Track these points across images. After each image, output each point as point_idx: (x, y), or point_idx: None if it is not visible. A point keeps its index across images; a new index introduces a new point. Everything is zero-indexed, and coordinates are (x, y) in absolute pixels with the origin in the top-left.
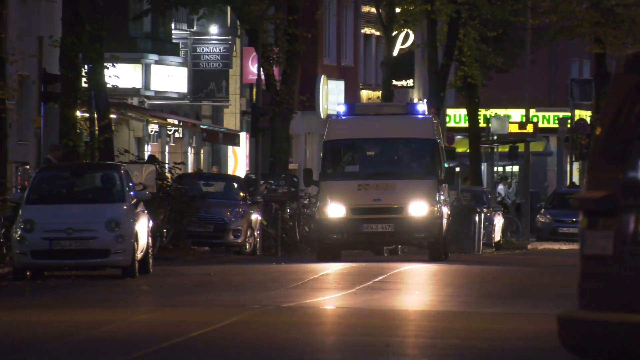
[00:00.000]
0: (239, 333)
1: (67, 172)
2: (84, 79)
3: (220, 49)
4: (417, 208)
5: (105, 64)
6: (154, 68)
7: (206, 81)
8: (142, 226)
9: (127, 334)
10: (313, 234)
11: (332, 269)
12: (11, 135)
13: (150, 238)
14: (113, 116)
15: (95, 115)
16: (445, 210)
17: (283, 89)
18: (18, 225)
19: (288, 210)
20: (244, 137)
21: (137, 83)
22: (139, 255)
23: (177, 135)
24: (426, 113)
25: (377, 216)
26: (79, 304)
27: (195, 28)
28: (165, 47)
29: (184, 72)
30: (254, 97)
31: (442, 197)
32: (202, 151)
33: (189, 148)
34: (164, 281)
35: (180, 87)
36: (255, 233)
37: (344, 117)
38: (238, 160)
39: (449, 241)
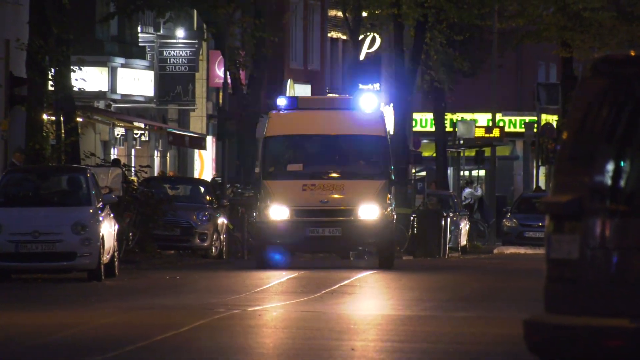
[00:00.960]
0: (204, 336)
1: (33, 175)
2: (50, 82)
3: (186, 53)
4: (368, 211)
5: (71, 67)
6: (121, 71)
7: (173, 85)
8: (109, 229)
9: (91, 337)
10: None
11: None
12: None
13: (116, 241)
14: (79, 119)
15: (62, 119)
16: (392, 213)
17: (250, 92)
18: None
19: (254, 214)
20: (210, 140)
21: (104, 86)
22: (105, 258)
23: (143, 138)
24: (375, 107)
25: (324, 219)
26: (44, 306)
27: (161, 31)
28: (131, 50)
29: (150, 75)
30: (221, 100)
31: (392, 200)
32: (168, 155)
33: (155, 151)
34: (129, 284)
35: (146, 90)
36: (222, 237)
37: (285, 111)
38: (204, 164)
39: (415, 245)
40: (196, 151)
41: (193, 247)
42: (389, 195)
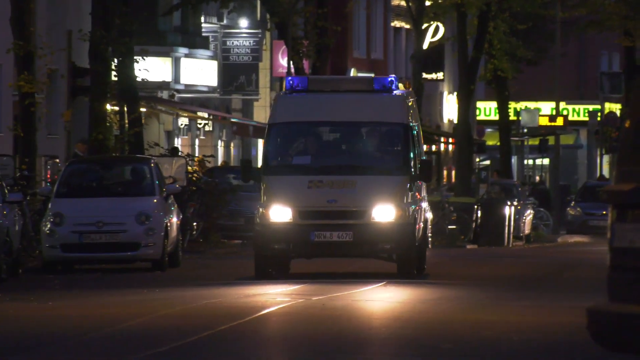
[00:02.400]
0: (268, 325)
1: (96, 165)
2: (113, 73)
3: (250, 43)
4: (383, 212)
5: (134, 58)
6: (184, 61)
7: (236, 74)
8: (172, 219)
9: (156, 326)
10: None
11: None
12: (40, 129)
13: (180, 231)
14: (143, 110)
15: (125, 109)
16: (422, 213)
17: None
18: (47, 218)
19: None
20: None
21: (167, 76)
22: (169, 248)
23: (207, 128)
24: (399, 89)
25: (332, 222)
26: (109, 297)
27: (225, 21)
28: (195, 41)
29: (213, 65)
30: (283, 90)
31: (415, 198)
32: (232, 145)
33: (219, 141)
34: (193, 274)
35: (210, 80)
36: None
37: (294, 95)
38: None
39: (480, 234)
40: (260, 141)
41: None
42: (410, 193)
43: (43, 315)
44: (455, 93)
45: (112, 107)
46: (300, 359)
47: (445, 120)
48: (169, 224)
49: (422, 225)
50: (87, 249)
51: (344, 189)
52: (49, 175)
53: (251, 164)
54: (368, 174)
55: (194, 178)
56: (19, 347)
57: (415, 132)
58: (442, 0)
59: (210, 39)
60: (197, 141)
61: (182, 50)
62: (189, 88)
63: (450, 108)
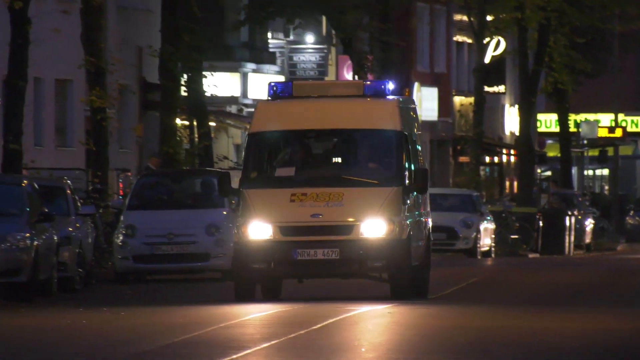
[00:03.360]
0: (334, 334)
1: (167, 178)
2: (183, 88)
3: (316, 57)
4: (373, 226)
5: (203, 73)
6: (252, 76)
7: None
8: None
9: (227, 335)
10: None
11: None
12: (112, 143)
13: None
14: (212, 124)
15: (194, 123)
16: (422, 229)
17: None
18: (120, 230)
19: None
20: None
21: (236, 91)
22: None
23: None
24: (391, 94)
25: (317, 238)
26: (179, 306)
27: (291, 37)
28: (262, 56)
29: (280, 80)
30: None
31: (411, 211)
32: None
33: None
34: None
35: None
36: None
37: (277, 101)
38: None
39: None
40: None
41: None
42: (405, 206)
43: (114, 325)
44: (517, 105)
45: (182, 122)
46: None
47: (507, 133)
48: None
49: (423, 242)
50: (158, 260)
51: (329, 202)
52: (120, 188)
53: (229, 177)
54: (356, 185)
55: None
56: (92, 355)
57: (408, 140)
58: (503, 15)
59: (277, 55)
60: None
61: (250, 66)
62: (256, 102)
63: (511, 120)
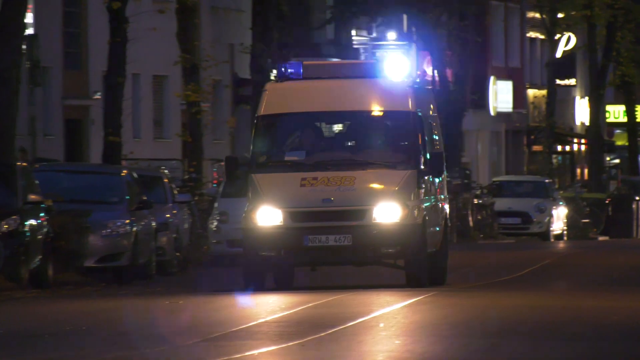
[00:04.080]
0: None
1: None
2: None
3: (397, 53)
4: (386, 211)
5: None
6: None
7: None
8: None
9: (310, 316)
10: None
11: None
12: (206, 135)
13: None
14: None
15: None
16: (438, 214)
17: (456, 89)
18: (214, 217)
19: (461, 201)
20: None
21: None
22: None
23: None
24: (404, 75)
25: (328, 224)
26: (271, 287)
27: (374, 34)
28: (346, 53)
29: None
30: None
31: (427, 195)
32: None
33: None
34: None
35: None
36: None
37: (286, 82)
38: None
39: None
40: None
41: None
42: (420, 190)
43: (210, 305)
44: (587, 97)
45: None
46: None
47: (578, 123)
48: None
49: (440, 228)
50: None
51: (341, 187)
52: (215, 177)
53: (237, 161)
54: (369, 168)
55: None
56: (191, 333)
57: (423, 122)
58: (573, 13)
59: (361, 51)
60: None
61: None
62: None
63: (582, 111)
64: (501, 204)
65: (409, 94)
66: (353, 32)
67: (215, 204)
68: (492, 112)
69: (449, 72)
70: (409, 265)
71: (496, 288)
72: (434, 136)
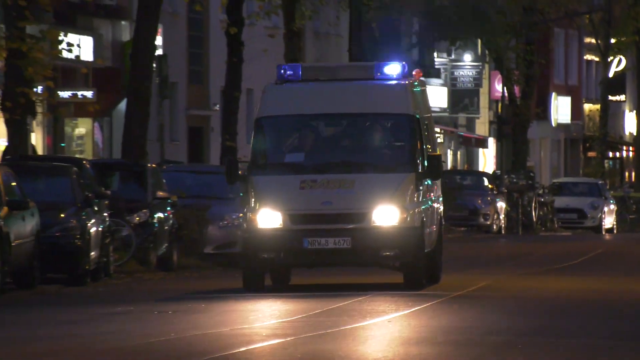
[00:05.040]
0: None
1: None
2: None
3: (472, 73)
4: (385, 214)
5: None
6: None
7: (461, 98)
8: None
9: (395, 296)
10: None
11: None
12: None
13: None
14: None
15: None
16: (434, 215)
17: (522, 103)
18: None
19: (526, 198)
20: (491, 141)
21: None
22: None
23: (439, 140)
24: (403, 77)
25: (328, 226)
26: (355, 274)
27: (452, 56)
28: (429, 71)
29: (444, 91)
30: (499, 110)
31: (424, 198)
32: (458, 152)
33: (448, 150)
34: None
35: (441, 102)
36: (501, 217)
37: (285, 85)
38: (487, 160)
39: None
40: (480, 150)
41: (478, 224)
42: (418, 193)
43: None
44: (634, 111)
45: None
46: None
47: (627, 133)
48: None
49: (435, 228)
50: None
51: (340, 190)
52: None
53: (237, 165)
54: (368, 171)
55: None
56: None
57: (424, 124)
58: (623, 39)
59: (442, 70)
60: None
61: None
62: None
63: (630, 123)
64: (560, 201)
65: (407, 97)
66: (435, 54)
67: None
68: (553, 124)
69: (516, 89)
70: (407, 267)
71: (555, 273)
72: (431, 139)
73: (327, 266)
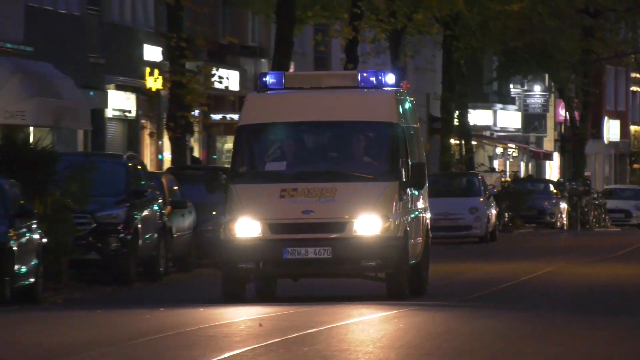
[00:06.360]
0: (553, 280)
1: (444, 177)
2: (455, 120)
3: (541, 100)
4: (367, 223)
5: (468, 110)
6: (499, 113)
7: (532, 120)
8: (492, 211)
9: (480, 278)
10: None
11: None
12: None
13: (497, 218)
14: (474, 143)
15: (462, 142)
16: (420, 225)
17: (580, 125)
18: None
19: (584, 201)
20: (556, 155)
21: (489, 122)
22: (490, 229)
23: (514, 154)
24: (389, 86)
25: (308, 236)
26: (454, 259)
27: (525, 87)
28: (506, 99)
29: (518, 115)
30: (562, 130)
31: (408, 207)
32: (529, 165)
33: (521, 162)
34: (502, 245)
35: (516, 124)
36: (563, 216)
37: (267, 93)
38: (552, 170)
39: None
40: (547, 162)
41: (545, 222)
42: (401, 202)
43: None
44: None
45: (454, 141)
46: None
47: None
48: (489, 214)
49: (420, 240)
50: (439, 230)
51: (321, 198)
52: None
53: (217, 173)
54: (350, 180)
55: (506, 185)
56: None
57: (405, 133)
58: None
59: (516, 99)
60: (507, 163)
61: (498, 106)
62: (502, 129)
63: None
64: (611, 204)
65: (392, 105)
66: (511, 86)
67: None
68: (605, 141)
69: (576, 114)
70: (390, 278)
71: (607, 261)
72: (418, 148)
73: (307, 277)
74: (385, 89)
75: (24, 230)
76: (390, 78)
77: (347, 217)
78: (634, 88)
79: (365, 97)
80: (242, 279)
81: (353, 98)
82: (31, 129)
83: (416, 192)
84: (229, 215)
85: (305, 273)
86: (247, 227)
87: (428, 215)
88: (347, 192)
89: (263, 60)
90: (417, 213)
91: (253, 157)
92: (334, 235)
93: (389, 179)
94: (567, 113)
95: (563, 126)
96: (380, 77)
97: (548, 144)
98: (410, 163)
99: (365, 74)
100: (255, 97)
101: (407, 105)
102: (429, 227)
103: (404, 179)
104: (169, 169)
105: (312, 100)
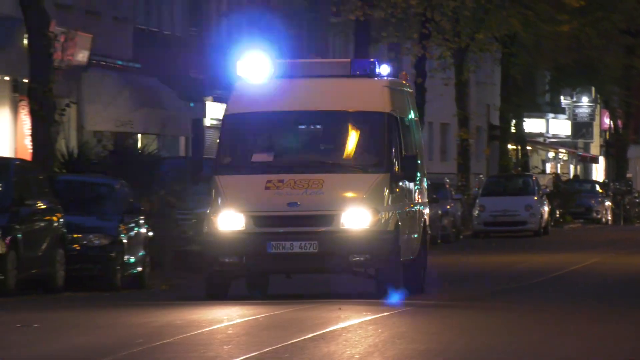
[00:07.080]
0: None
1: (503, 179)
2: (512, 128)
3: (588, 110)
4: (355, 217)
5: (523, 119)
6: (552, 122)
7: (580, 128)
8: (544, 208)
9: (534, 267)
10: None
11: None
12: (472, 159)
13: (550, 214)
14: (529, 148)
15: (519, 148)
16: (415, 220)
17: (623, 132)
18: (476, 208)
19: (626, 199)
20: (601, 159)
21: (542, 129)
22: (543, 224)
23: (564, 158)
24: (382, 74)
25: (294, 229)
26: (510, 251)
27: (574, 98)
28: (557, 109)
29: (568, 123)
30: (607, 136)
31: (401, 201)
32: (578, 167)
33: (570, 165)
34: (553, 239)
35: (566, 131)
36: (608, 213)
37: (256, 82)
38: (598, 172)
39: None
40: (593, 165)
41: (592, 218)
42: (393, 195)
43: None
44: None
45: (511, 146)
46: None
47: None
48: (543, 211)
49: (416, 236)
50: (498, 224)
51: (308, 190)
52: (477, 184)
53: (201, 164)
54: (338, 171)
55: (557, 185)
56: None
57: (404, 125)
58: None
59: (566, 109)
60: (558, 165)
61: (550, 115)
62: (554, 136)
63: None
64: None
65: (384, 94)
66: (561, 97)
67: (477, 200)
68: None
69: (619, 122)
70: (380, 274)
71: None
72: (415, 140)
73: (292, 272)
74: (378, 78)
75: (133, 225)
76: (384, 68)
77: (334, 209)
78: None
79: (357, 86)
80: (225, 273)
81: (344, 87)
82: (139, 136)
83: (412, 187)
84: (212, 208)
85: (290, 268)
86: (230, 220)
87: (426, 211)
88: (335, 183)
89: None
90: (412, 208)
91: (239, 147)
92: (320, 229)
93: (380, 170)
94: (611, 121)
95: (607, 133)
96: (372, 66)
97: (594, 149)
98: (404, 154)
99: (358, 62)
100: (243, 85)
101: (404, 95)
102: (427, 223)
103: (396, 171)
104: None
105: (301, 89)
